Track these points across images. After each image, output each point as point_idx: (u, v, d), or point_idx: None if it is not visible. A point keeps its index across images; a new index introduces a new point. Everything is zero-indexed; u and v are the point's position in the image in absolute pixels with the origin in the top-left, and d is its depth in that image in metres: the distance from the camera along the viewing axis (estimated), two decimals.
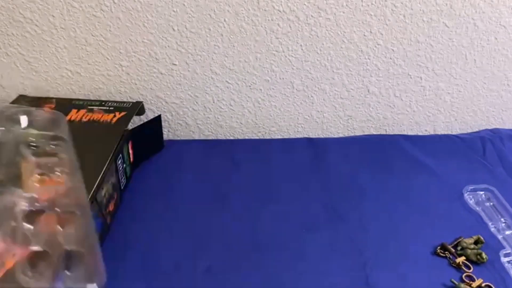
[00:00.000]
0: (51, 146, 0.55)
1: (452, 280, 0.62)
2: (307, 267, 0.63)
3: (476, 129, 1.00)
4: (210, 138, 0.95)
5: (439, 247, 0.67)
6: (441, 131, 1.00)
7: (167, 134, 0.93)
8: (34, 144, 0.53)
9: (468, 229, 0.71)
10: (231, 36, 0.82)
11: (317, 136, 0.97)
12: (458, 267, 0.64)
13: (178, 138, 0.94)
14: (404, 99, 0.93)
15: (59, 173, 0.51)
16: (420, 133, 0.99)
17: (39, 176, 0.52)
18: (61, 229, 0.51)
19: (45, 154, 0.53)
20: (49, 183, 0.51)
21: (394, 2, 0.81)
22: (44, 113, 0.63)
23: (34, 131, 0.53)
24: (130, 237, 0.67)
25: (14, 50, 0.81)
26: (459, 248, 0.67)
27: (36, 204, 0.51)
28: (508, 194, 0.77)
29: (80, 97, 0.87)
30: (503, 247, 0.68)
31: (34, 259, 0.50)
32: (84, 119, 0.76)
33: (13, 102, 0.80)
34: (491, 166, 0.86)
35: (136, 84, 0.86)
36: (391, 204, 0.75)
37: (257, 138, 0.96)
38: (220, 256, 0.64)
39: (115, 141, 0.71)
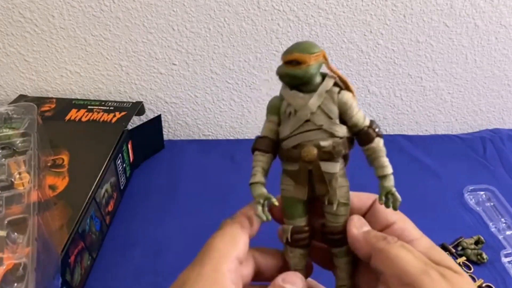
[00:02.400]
0: (21, 143, 0.55)
1: None
2: None
3: (477, 129, 1.00)
4: (210, 138, 0.95)
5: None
6: (441, 131, 1.00)
7: (167, 134, 0.93)
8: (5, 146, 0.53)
9: (469, 229, 0.71)
10: (231, 36, 0.82)
11: None
12: None
13: (178, 138, 0.94)
14: (404, 99, 0.93)
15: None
16: (420, 133, 0.99)
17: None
18: None
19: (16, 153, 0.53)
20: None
21: (394, 2, 0.81)
22: (16, 108, 0.63)
23: (8, 131, 0.54)
24: (129, 237, 0.67)
25: (13, 50, 0.81)
26: (459, 248, 0.67)
27: None
28: (508, 194, 0.77)
29: (80, 97, 0.87)
30: (504, 247, 0.68)
31: None
32: (83, 119, 0.76)
33: (12, 102, 0.80)
34: (492, 166, 0.86)
35: (136, 84, 0.86)
36: None
37: None
38: None
39: (114, 141, 0.71)
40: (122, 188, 0.74)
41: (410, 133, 0.99)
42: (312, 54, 0.31)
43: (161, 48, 0.82)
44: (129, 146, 0.78)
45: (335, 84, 0.32)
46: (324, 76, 0.33)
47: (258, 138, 0.34)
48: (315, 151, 0.32)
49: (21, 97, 0.83)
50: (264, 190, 0.34)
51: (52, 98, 0.82)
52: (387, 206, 0.33)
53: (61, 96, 0.86)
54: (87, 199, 0.60)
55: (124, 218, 0.71)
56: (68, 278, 0.54)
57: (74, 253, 0.55)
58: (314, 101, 0.32)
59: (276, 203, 0.33)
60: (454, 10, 0.83)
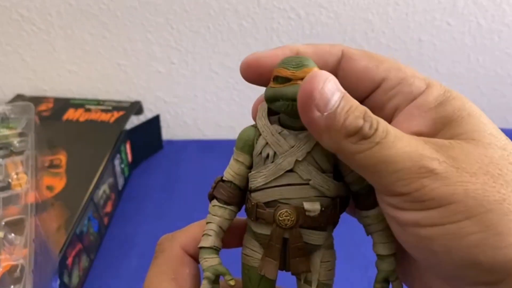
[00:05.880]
0: (18, 144, 0.55)
1: None
2: None
3: None
4: (209, 138, 0.94)
5: None
6: None
7: (165, 134, 0.92)
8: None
9: None
10: (231, 34, 0.81)
11: None
12: None
13: (177, 138, 0.93)
14: None
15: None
16: None
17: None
18: None
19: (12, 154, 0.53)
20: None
21: (396, 0, 0.80)
22: (13, 107, 0.63)
23: (5, 131, 0.53)
24: (128, 239, 0.66)
25: (10, 49, 0.80)
26: None
27: None
28: None
29: (78, 97, 0.86)
30: None
31: None
32: (81, 119, 0.75)
33: (9, 102, 0.79)
34: None
35: (134, 83, 0.85)
36: None
37: None
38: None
39: (112, 141, 0.70)
40: (120, 189, 0.73)
41: None
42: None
43: (160, 47, 0.82)
44: (128, 146, 0.77)
45: None
46: None
47: (219, 182, 0.27)
48: (295, 215, 0.23)
49: (18, 97, 0.82)
50: (217, 261, 0.25)
51: (49, 97, 0.82)
52: None
53: (59, 96, 0.85)
54: (85, 200, 0.59)
55: (122, 219, 0.70)
56: (66, 280, 0.53)
57: (72, 254, 0.55)
58: (302, 144, 0.23)
59: (233, 283, 0.24)
60: (456, 9, 0.82)
